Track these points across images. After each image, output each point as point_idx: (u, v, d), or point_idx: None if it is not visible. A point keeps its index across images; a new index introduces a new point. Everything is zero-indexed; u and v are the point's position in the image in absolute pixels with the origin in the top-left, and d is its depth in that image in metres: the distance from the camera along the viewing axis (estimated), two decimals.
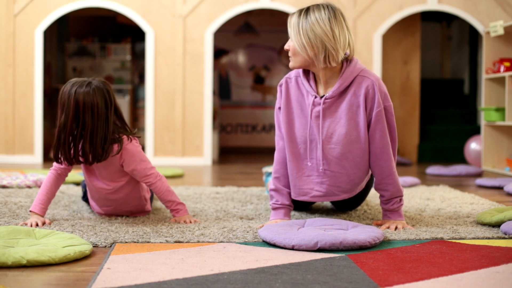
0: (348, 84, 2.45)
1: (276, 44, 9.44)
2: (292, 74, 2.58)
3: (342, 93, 2.46)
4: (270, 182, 2.63)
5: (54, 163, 2.60)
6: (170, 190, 2.65)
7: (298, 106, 2.53)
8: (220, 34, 8.43)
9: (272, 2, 6.07)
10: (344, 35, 2.40)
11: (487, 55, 5.58)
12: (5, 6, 6.00)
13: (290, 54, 2.46)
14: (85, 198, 2.90)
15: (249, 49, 9.46)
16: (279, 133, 2.60)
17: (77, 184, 3.99)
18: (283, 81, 2.58)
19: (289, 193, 2.59)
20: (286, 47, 2.46)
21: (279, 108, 2.58)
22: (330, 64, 2.41)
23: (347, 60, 2.48)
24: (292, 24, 2.42)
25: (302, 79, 2.52)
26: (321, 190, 2.52)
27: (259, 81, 9.52)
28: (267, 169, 3.74)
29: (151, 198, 2.90)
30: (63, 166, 2.58)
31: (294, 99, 2.54)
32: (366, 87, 2.43)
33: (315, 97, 2.47)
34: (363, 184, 2.62)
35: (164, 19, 6.07)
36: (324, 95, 2.47)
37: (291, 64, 2.48)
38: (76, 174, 4.17)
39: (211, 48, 6.08)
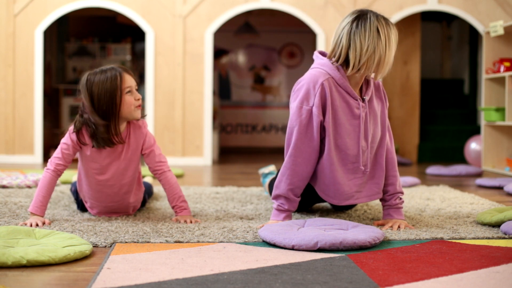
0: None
1: (276, 44, 9.44)
2: (325, 75, 2.43)
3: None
4: (279, 187, 2.50)
5: (52, 162, 2.59)
6: (178, 184, 2.71)
7: (342, 111, 2.45)
8: (220, 34, 8.43)
9: (272, 2, 6.07)
10: None
11: (487, 55, 5.58)
12: (5, 6, 6.00)
13: None
14: (79, 207, 2.87)
15: (249, 49, 9.46)
16: (304, 146, 2.44)
17: None
18: (322, 84, 2.41)
19: (298, 202, 2.57)
20: None
21: (318, 116, 2.40)
22: None
23: None
24: None
25: (340, 81, 2.44)
26: (364, 190, 2.55)
27: (259, 81, 9.52)
28: (264, 170, 3.74)
29: (145, 197, 2.94)
30: (62, 162, 2.59)
31: (337, 104, 2.44)
32: (382, 87, 2.59)
33: (360, 100, 2.48)
34: None
35: (164, 19, 6.07)
36: (363, 98, 2.52)
37: None
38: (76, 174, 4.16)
39: (211, 48, 6.08)
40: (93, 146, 2.58)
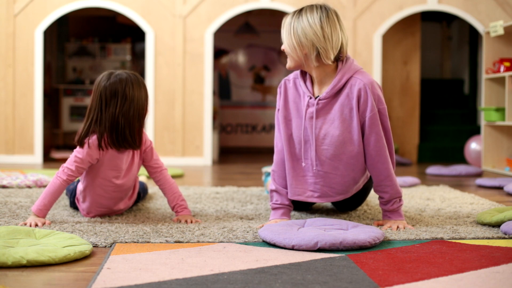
0: (342, 85, 2.45)
1: (276, 44, 9.44)
2: (291, 76, 2.60)
3: (337, 94, 2.46)
4: (270, 183, 2.63)
5: (65, 172, 2.53)
6: (176, 183, 2.75)
7: (295, 107, 2.55)
8: (220, 34, 8.43)
9: (272, 2, 6.07)
10: (337, 34, 2.40)
11: (487, 55, 5.58)
12: (5, 6, 6.00)
13: (287, 54, 2.49)
14: (74, 205, 2.86)
15: (249, 49, 9.46)
16: (278, 135, 2.61)
17: None
18: (282, 82, 2.60)
19: (287, 193, 2.59)
20: (282, 47, 2.49)
21: (278, 109, 2.60)
22: (322, 62, 2.42)
23: (341, 60, 2.47)
24: (285, 25, 2.45)
25: (300, 80, 2.54)
26: (315, 190, 2.55)
27: (259, 81, 9.52)
28: (267, 169, 3.75)
29: (139, 194, 2.97)
30: (74, 174, 2.55)
31: (291, 100, 2.56)
32: (359, 90, 2.42)
33: (310, 98, 2.49)
34: (359, 185, 2.63)
35: (164, 19, 6.07)
36: (318, 96, 2.49)
37: (287, 65, 2.50)
38: None
39: (211, 48, 6.09)
40: (118, 149, 2.57)
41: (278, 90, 2.60)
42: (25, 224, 2.46)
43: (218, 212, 2.89)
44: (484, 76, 5.59)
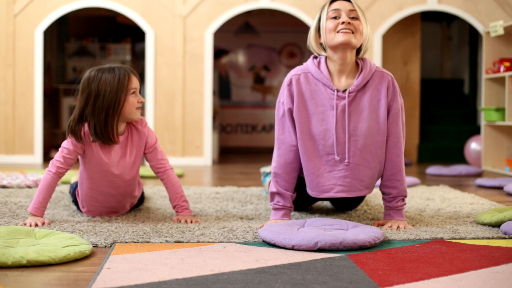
0: (369, 78, 2.52)
1: (276, 44, 9.44)
2: (298, 71, 2.56)
3: (363, 87, 2.52)
4: (271, 185, 2.59)
5: (53, 165, 2.56)
6: (180, 183, 2.73)
7: (313, 102, 2.51)
8: (220, 34, 8.43)
9: (272, 2, 6.07)
10: None
11: (487, 55, 5.58)
12: (5, 6, 6.00)
13: (354, 29, 2.45)
14: (74, 198, 2.87)
15: (249, 49, 9.46)
16: (282, 136, 2.55)
17: None
18: (291, 79, 2.54)
19: (291, 196, 2.58)
20: (349, 20, 2.44)
21: (289, 108, 2.53)
22: (363, 54, 2.56)
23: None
24: (358, 7, 2.50)
25: (315, 74, 2.52)
26: (344, 184, 2.51)
27: (259, 81, 9.52)
28: (265, 169, 3.74)
29: (140, 201, 2.96)
30: (63, 166, 2.56)
31: (308, 96, 2.52)
32: (388, 81, 2.53)
33: (337, 91, 2.49)
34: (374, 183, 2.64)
35: (164, 19, 6.07)
36: (345, 89, 2.50)
37: (354, 40, 2.45)
38: (75, 175, 4.16)
39: (211, 48, 6.09)
40: (103, 142, 2.56)
41: (287, 88, 2.53)
42: (25, 224, 2.46)
43: (218, 212, 2.89)
44: (484, 76, 5.59)
